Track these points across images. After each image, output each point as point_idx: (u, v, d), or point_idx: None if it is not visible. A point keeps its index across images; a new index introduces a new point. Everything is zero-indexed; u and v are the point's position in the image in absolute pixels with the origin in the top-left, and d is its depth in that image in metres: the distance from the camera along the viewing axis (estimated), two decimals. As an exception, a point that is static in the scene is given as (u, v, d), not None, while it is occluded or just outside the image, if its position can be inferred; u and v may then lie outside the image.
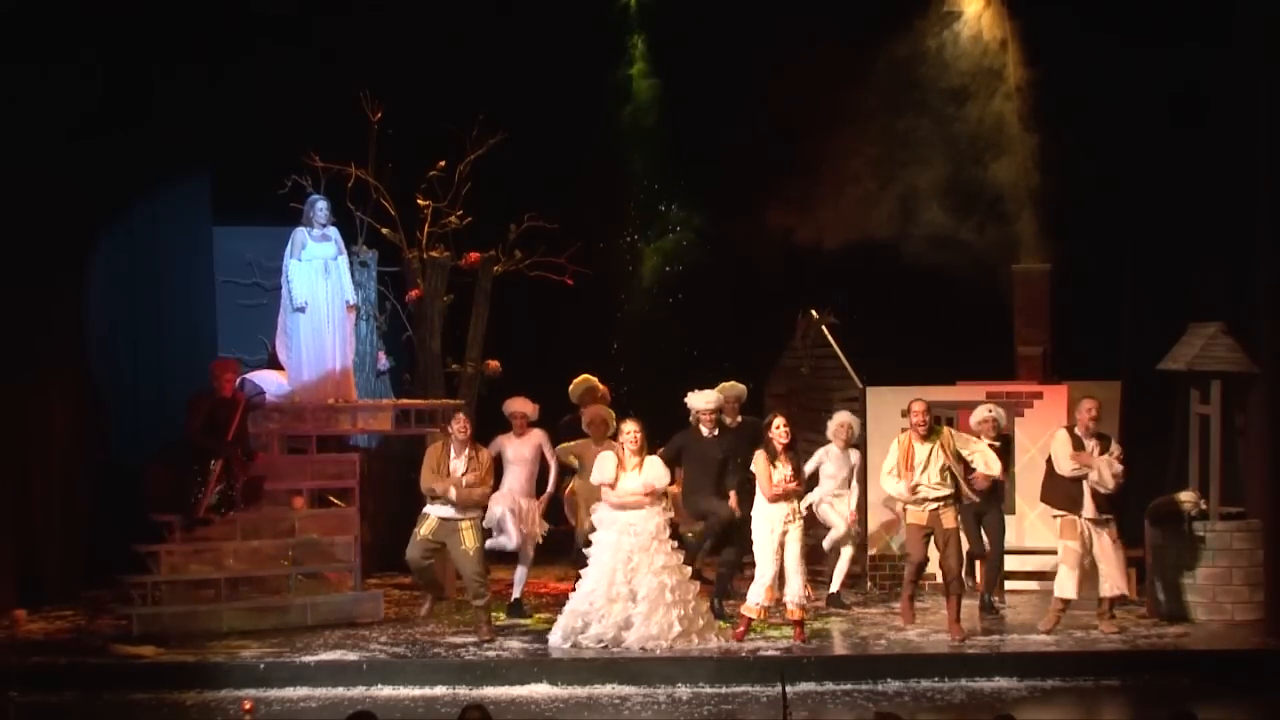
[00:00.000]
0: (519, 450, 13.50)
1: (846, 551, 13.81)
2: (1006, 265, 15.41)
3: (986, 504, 13.29)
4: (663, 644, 12.08)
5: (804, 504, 12.83)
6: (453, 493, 12.57)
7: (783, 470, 12.33)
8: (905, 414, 12.86)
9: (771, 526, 12.32)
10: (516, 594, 13.55)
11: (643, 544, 12.21)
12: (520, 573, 13.55)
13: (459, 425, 12.73)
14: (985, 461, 12.79)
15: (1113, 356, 14.64)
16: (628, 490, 12.31)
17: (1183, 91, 13.82)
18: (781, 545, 12.30)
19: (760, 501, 12.44)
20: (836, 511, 13.80)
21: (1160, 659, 12.08)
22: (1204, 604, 13.05)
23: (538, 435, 13.63)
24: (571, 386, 14.61)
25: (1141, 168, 14.23)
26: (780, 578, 12.38)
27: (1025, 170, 15.31)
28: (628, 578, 12.19)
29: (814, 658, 12.03)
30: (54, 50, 13.96)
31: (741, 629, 12.45)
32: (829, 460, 13.89)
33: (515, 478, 13.46)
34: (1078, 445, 12.65)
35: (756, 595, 12.35)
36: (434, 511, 12.74)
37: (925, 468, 12.51)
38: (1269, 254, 12.61)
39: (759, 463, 12.40)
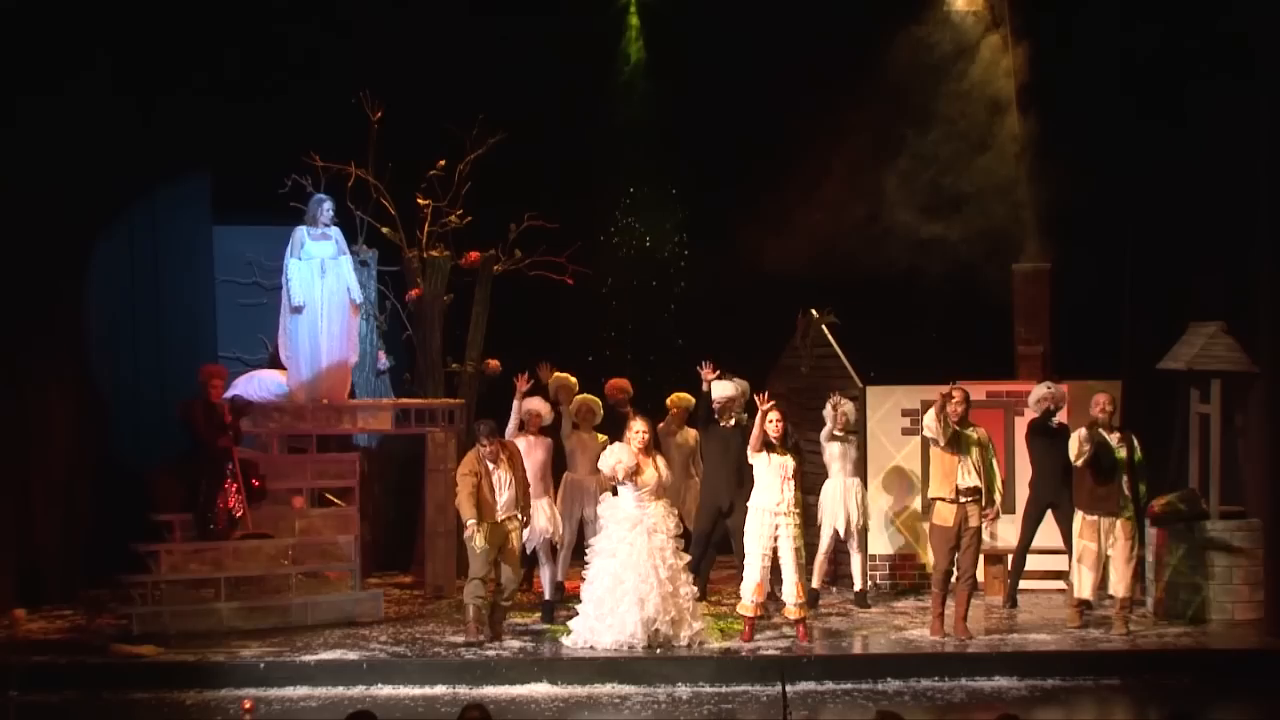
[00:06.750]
0: (533, 451, 13.24)
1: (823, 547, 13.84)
2: (1007, 264, 15.41)
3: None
4: (702, 639, 12.18)
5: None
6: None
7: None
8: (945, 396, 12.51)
9: (762, 523, 12.28)
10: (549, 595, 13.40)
11: (661, 544, 12.19)
12: (546, 573, 13.38)
13: (489, 450, 12.34)
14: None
15: (1113, 356, 14.62)
16: (649, 483, 12.27)
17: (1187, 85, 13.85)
18: (775, 544, 12.27)
19: (754, 498, 12.40)
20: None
21: (1160, 659, 12.09)
22: (1204, 603, 13.05)
23: (547, 440, 13.47)
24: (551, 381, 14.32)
25: (1142, 167, 14.21)
26: (774, 575, 12.39)
27: (1024, 169, 15.30)
28: (668, 574, 12.17)
29: (814, 658, 12.03)
30: (54, 48, 13.97)
31: (746, 631, 12.41)
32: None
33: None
34: (1097, 442, 12.61)
35: (749, 594, 12.32)
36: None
37: (961, 460, 12.32)
38: (1269, 254, 12.62)
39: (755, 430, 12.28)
